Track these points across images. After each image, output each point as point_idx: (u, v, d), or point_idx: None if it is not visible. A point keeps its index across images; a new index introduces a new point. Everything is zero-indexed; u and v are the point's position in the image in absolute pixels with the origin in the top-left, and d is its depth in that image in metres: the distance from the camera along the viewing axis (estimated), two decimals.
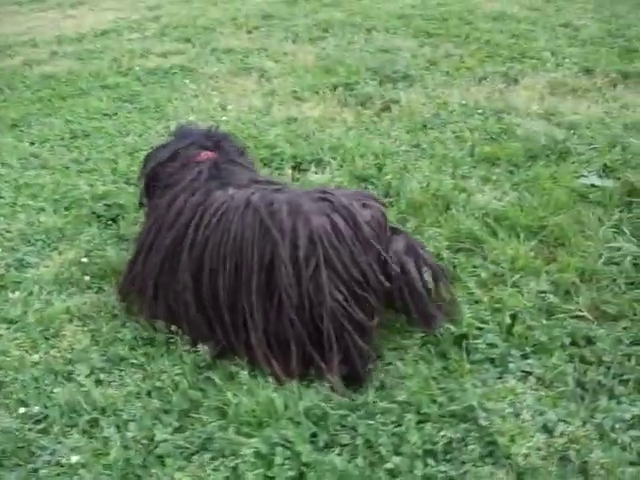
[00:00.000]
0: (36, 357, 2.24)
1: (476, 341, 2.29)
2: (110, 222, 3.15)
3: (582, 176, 3.37)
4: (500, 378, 2.16)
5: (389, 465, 1.80)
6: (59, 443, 1.91)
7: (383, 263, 2.19)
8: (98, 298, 2.58)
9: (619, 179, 3.30)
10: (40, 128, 4.41)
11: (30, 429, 1.96)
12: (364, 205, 2.24)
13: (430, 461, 1.83)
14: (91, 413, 1.98)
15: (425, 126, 4.01)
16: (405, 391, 2.05)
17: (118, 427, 1.92)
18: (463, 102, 4.37)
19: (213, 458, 1.83)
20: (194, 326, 2.24)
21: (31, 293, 2.65)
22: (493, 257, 2.76)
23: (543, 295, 2.54)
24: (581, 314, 2.45)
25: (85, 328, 2.40)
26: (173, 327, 2.29)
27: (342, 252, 2.09)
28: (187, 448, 1.87)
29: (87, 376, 2.14)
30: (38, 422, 1.99)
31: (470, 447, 1.85)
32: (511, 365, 2.20)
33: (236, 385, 2.04)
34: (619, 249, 2.81)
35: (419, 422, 1.95)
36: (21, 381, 2.13)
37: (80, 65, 5.80)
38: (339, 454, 1.83)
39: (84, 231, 3.07)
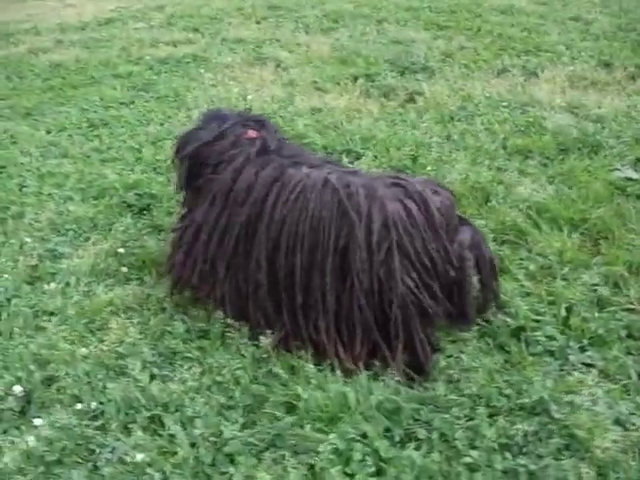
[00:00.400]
0: (85, 351, 2.16)
1: (534, 333, 2.26)
2: (142, 212, 3.07)
3: (616, 169, 3.35)
4: (562, 370, 2.13)
5: (467, 459, 1.76)
6: (118, 440, 1.83)
7: (447, 253, 2.15)
8: (142, 290, 2.50)
9: None
10: (55, 117, 4.31)
11: (87, 425, 1.88)
12: (434, 192, 2.20)
13: (507, 455, 1.79)
14: (151, 409, 1.91)
15: (452, 118, 3.97)
16: (473, 384, 2.01)
17: (183, 424, 1.85)
18: (487, 95, 4.33)
19: (286, 455, 1.77)
20: (261, 308, 2.17)
21: (68, 284, 2.57)
22: (539, 250, 2.73)
23: (594, 288, 2.51)
24: (632, 307, 2.43)
25: (132, 321, 2.33)
26: (230, 320, 2.22)
27: (415, 238, 2.07)
28: (256, 445, 1.81)
29: (141, 371, 2.06)
30: (95, 418, 1.91)
31: (548, 440, 1.82)
32: (571, 357, 2.18)
33: (303, 379, 1.98)
34: None
35: (491, 415, 1.91)
36: (73, 376, 2.05)
37: (88, 53, 5.69)
38: (415, 449, 1.79)
39: (117, 221, 2.99)
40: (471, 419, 1.89)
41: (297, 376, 2.01)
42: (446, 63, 5.06)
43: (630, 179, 3.26)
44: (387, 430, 1.84)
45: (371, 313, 2.06)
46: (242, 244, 2.22)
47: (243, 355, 2.11)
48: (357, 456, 1.72)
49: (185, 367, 2.08)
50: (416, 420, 1.89)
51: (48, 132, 4.08)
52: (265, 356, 2.10)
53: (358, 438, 1.77)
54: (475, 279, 2.28)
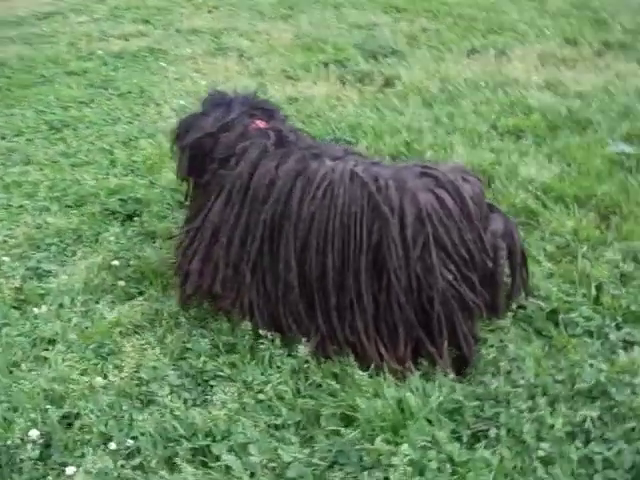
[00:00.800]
0: (102, 380, 1.94)
1: (570, 315, 2.20)
2: (130, 219, 2.82)
3: (609, 144, 3.33)
4: (605, 350, 2.07)
5: (540, 453, 1.67)
6: (164, 479, 1.64)
7: (483, 243, 2.04)
8: (149, 305, 2.28)
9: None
10: (7, 120, 3.95)
11: (123, 466, 1.68)
12: (464, 179, 2.08)
13: (578, 443, 1.71)
14: (193, 439, 1.72)
15: (435, 101, 3.87)
16: (525, 373, 1.93)
17: (236, 452, 1.66)
18: (463, 76, 4.25)
19: (353, 472, 1.62)
20: (292, 312, 2.02)
21: (62, 306, 2.32)
22: (552, 230, 2.67)
23: (616, 264, 2.46)
24: None
25: (146, 341, 2.11)
26: (258, 330, 2.05)
27: (451, 230, 1.96)
28: (318, 465, 1.65)
29: (170, 396, 1.86)
30: (131, 457, 1.69)
31: (616, 424, 1.75)
32: (611, 336, 2.14)
33: (354, 387, 1.83)
34: None
35: (551, 404, 1.83)
36: (95, 411, 1.82)
37: (31, 50, 5.28)
38: (486, 448, 1.68)
39: (103, 231, 2.74)
40: (532, 410, 1.79)
41: (344, 384, 1.86)
42: (413, 46, 4.97)
43: (624, 153, 3.24)
44: (453, 432, 1.73)
45: (411, 310, 1.95)
46: (267, 244, 2.05)
47: (279, 367, 1.94)
48: (433, 465, 1.59)
49: (219, 387, 1.89)
50: (478, 417, 1.78)
51: (2, 137, 3.74)
52: (305, 366, 1.94)
53: (429, 445, 1.64)
54: (505, 268, 2.19)
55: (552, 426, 1.75)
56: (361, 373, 1.87)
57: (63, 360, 2.04)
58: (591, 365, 1.97)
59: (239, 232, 2.06)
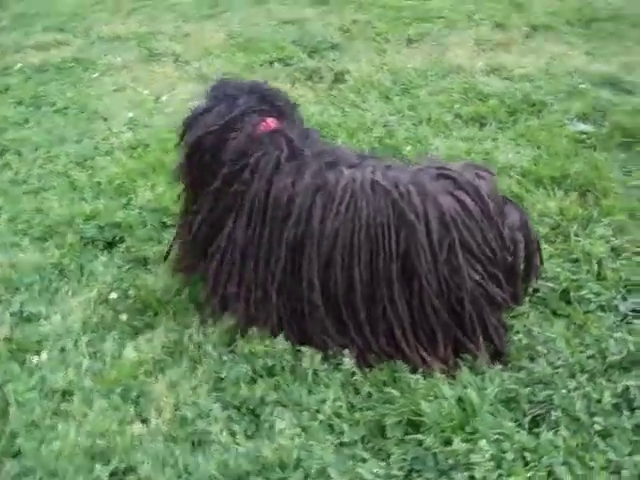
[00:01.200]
0: (143, 428, 1.80)
1: (580, 293, 2.28)
2: (113, 246, 2.65)
3: (567, 124, 3.45)
4: (622, 321, 2.16)
5: (596, 427, 1.73)
6: None
7: (503, 239, 2.07)
8: (165, 337, 2.15)
9: (600, 124, 3.42)
10: None
11: None
12: (478, 176, 2.10)
13: (626, 413, 1.78)
14: (262, 473, 1.63)
15: (392, 93, 3.86)
16: (559, 354, 1.99)
17: (314, 479, 1.59)
18: (410, 66, 4.28)
19: (432, 477, 1.61)
20: (322, 329, 1.99)
21: (64, 350, 2.14)
22: (540, 212, 2.73)
23: (607, 240, 2.56)
24: None
25: (175, 376, 1.98)
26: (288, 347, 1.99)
27: (474, 231, 1.98)
28: (397, 476, 1.62)
29: (224, 432, 1.76)
30: None
31: None
32: (621, 308, 2.22)
33: (412, 392, 1.82)
34: (638, 187, 2.92)
35: (591, 380, 1.89)
36: (148, 461, 1.69)
37: None
38: (548, 431, 1.72)
39: (87, 262, 2.56)
40: (578, 388, 1.85)
41: (401, 390, 1.84)
42: (350, 39, 4.94)
43: (583, 132, 3.37)
44: (514, 420, 1.75)
45: (445, 312, 1.96)
46: (290, 264, 2.00)
47: (327, 384, 1.89)
48: (509, 456, 1.61)
49: (272, 414, 1.81)
50: (532, 402, 1.82)
51: None
52: (353, 379, 1.90)
53: (500, 437, 1.66)
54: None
55: (599, 400, 1.81)
56: (414, 376, 1.86)
57: (90, 413, 1.87)
58: (615, 338, 2.05)
59: (263, 253, 2.01)
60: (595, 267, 2.41)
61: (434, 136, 3.29)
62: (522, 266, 2.19)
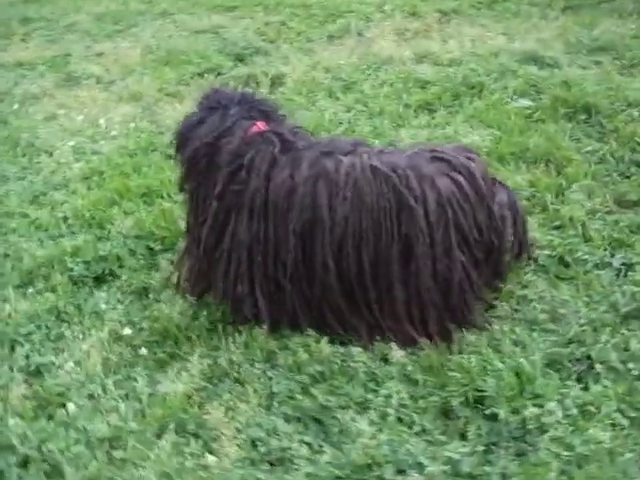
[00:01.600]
0: (213, 459, 1.72)
1: (575, 256, 2.43)
2: (105, 280, 2.52)
3: (510, 102, 3.63)
4: (618, 275, 2.34)
5: (634, 372, 1.89)
6: None
7: (492, 221, 2.18)
8: (200, 362, 2.07)
9: (539, 99, 3.63)
10: None
11: None
12: (469, 158, 2.19)
13: None
14: (353, 477, 1.63)
15: (336, 91, 3.90)
16: (579, 312, 2.14)
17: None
18: (342, 62, 4.34)
19: (512, 446, 1.71)
20: (335, 311, 2.07)
21: (93, 397, 2.01)
22: (513, 187, 2.84)
23: (582, 204, 2.73)
24: (609, 209, 2.72)
25: (227, 401, 1.93)
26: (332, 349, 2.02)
27: (467, 213, 2.08)
28: (477, 452, 1.68)
29: (299, 446, 1.73)
30: None
31: None
32: (614, 263, 2.40)
33: (465, 371, 1.90)
34: (592, 152, 3.13)
35: (613, 332, 2.04)
36: None
37: None
38: (595, 384, 1.87)
39: (84, 301, 2.42)
40: (607, 342, 1.99)
41: (454, 371, 1.91)
42: (272, 42, 4.94)
43: (527, 108, 3.56)
44: (564, 380, 1.88)
45: (437, 292, 2.06)
46: (301, 253, 2.05)
47: (382, 380, 1.92)
48: (574, 412, 1.74)
49: (345, 418, 1.80)
50: (572, 361, 1.95)
51: None
52: (406, 370, 1.95)
53: (561, 397, 1.79)
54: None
55: (626, 349, 1.97)
56: (465, 356, 1.94)
57: (151, 454, 1.78)
58: (621, 292, 2.23)
59: (271, 247, 2.05)
60: (580, 230, 2.57)
61: (393, 128, 3.36)
62: (510, 243, 2.31)
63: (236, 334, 2.13)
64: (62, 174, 3.28)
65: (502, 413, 1.76)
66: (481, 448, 1.71)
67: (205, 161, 2.14)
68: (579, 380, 1.91)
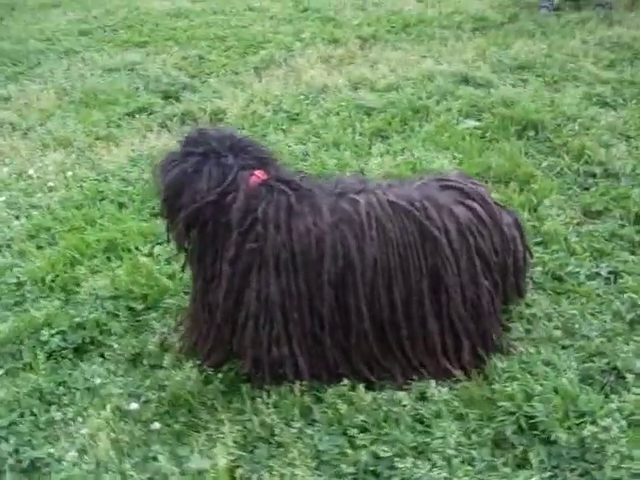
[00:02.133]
0: None
1: (566, 270, 2.51)
2: (81, 352, 2.25)
3: (459, 123, 3.70)
4: (607, 284, 2.44)
5: None
6: None
7: (505, 242, 2.19)
8: (230, 430, 1.87)
9: (484, 118, 3.72)
10: None
11: None
12: (474, 184, 2.24)
13: None
14: None
15: (282, 123, 3.81)
16: (589, 325, 2.21)
17: None
18: (277, 93, 4.25)
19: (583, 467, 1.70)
20: (368, 355, 2.00)
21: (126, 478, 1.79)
22: None
23: (554, 218, 2.81)
24: (579, 221, 2.83)
25: (276, 468, 1.75)
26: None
27: (485, 238, 2.09)
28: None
29: None
30: None
31: None
32: (602, 273, 2.50)
33: (511, 398, 1.87)
34: (550, 167, 3.24)
35: (627, 339, 2.14)
36: None
37: None
38: (628, 393, 1.91)
39: (70, 378, 2.14)
40: (627, 351, 2.06)
41: (490, 404, 1.88)
42: (197, 76, 4.78)
43: (476, 128, 3.64)
44: (599, 393, 1.92)
45: (469, 319, 2.05)
46: (334, 301, 1.96)
47: (430, 421, 1.84)
48: (624, 424, 1.77)
49: (405, 465, 1.69)
50: (604, 371, 2.01)
51: None
52: (451, 406, 1.90)
53: (607, 412, 1.81)
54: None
55: None
56: (494, 386, 1.93)
57: None
58: (621, 300, 2.33)
59: (305, 301, 1.93)
60: (564, 244, 2.64)
61: (355, 157, 3.31)
62: (525, 261, 2.33)
63: (263, 394, 1.96)
64: (1, 234, 2.94)
65: (559, 435, 1.74)
66: (548, 474, 1.69)
67: (211, 223, 1.96)
68: (613, 392, 1.94)
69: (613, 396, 1.91)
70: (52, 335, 2.28)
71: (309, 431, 1.85)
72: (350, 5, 6.45)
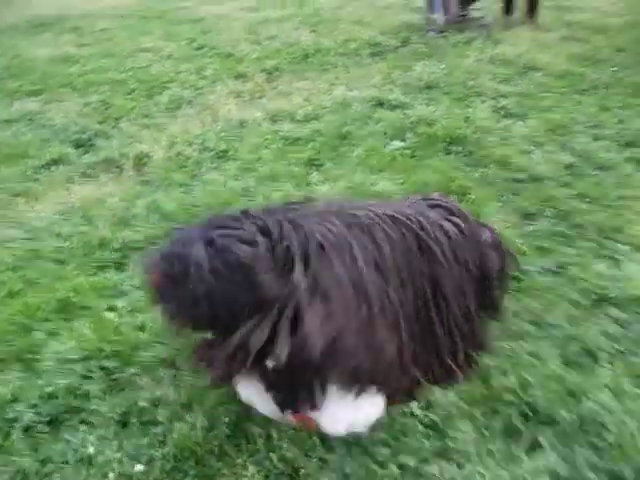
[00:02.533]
0: None
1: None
2: (60, 421, 2.07)
3: (386, 145, 3.81)
4: (558, 277, 2.61)
5: None
6: None
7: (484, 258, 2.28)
8: (248, 473, 1.80)
9: (408, 139, 3.86)
10: None
11: None
12: (455, 204, 2.30)
13: None
14: None
15: (215, 162, 3.76)
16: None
17: None
18: (198, 132, 4.19)
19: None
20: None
21: None
22: None
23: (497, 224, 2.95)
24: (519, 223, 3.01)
25: None
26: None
27: (471, 253, 2.17)
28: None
29: None
30: None
31: None
32: (551, 267, 2.68)
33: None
34: (480, 178, 3.42)
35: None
36: None
37: None
38: None
39: (56, 452, 1.96)
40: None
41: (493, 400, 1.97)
42: (103, 122, 4.58)
43: (404, 148, 3.77)
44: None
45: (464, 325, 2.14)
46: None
47: (440, 428, 1.91)
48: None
49: (433, 471, 1.75)
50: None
51: None
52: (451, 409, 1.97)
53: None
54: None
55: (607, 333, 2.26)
56: (492, 383, 2.05)
57: None
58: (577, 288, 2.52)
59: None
60: (514, 247, 2.77)
61: (297, 188, 3.31)
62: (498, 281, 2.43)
63: (272, 430, 1.91)
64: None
65: (562, 416, 1.90)
66: (560, 452, 1.81)
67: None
68: (593, 370, 2.09)
69: (596, 372, 2.07)
70: (24, 409, 2.08)
71: (329, 457, 1.82)
72: (244, 40, 6.50)
